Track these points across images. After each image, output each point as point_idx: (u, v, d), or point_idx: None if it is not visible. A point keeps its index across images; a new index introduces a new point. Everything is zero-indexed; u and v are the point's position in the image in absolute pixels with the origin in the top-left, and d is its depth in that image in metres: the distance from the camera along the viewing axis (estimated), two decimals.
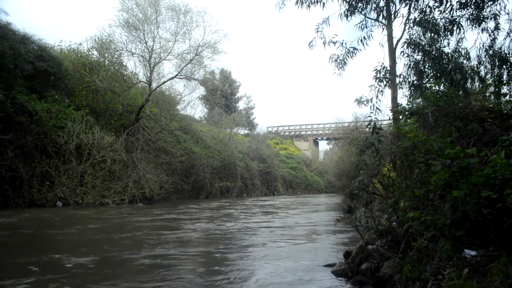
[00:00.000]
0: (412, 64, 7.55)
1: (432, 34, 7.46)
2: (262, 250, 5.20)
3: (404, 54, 7.62)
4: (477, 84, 7.61)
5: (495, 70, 7.66)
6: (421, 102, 4.38)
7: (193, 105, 30.63)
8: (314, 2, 7.84)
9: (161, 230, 7.01)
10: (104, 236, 6.20)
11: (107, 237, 6.09)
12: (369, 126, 4.02)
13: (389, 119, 6.98)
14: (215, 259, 4.63)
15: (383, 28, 7.67)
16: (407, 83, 7.66)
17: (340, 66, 7.96)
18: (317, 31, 7.99)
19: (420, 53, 7.50)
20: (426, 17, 7.40)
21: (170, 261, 4.36)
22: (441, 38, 7.50)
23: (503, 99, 3.61)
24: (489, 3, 7.28)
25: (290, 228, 7.76)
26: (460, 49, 7.50)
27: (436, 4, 7.44)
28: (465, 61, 7.49)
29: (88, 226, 7.46)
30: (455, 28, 7.31)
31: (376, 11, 7.85)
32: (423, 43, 7.54)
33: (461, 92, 6.80)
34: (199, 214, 10.35)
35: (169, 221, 8.55)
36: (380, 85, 7.30)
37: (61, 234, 6.41)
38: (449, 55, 7.25)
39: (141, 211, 10.58)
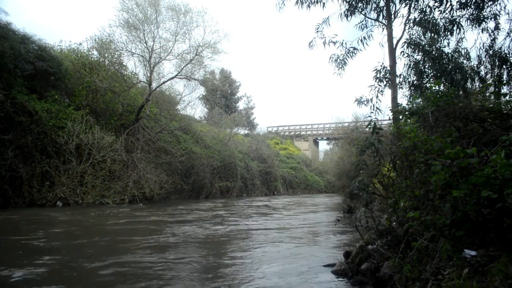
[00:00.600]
0: (412, 64, 7.55)
1: (432, 34, 7.46)
2: (257, 253, 5.12)
3: (404, 54, 7.62)
4: (477, 84, 7.60)
5: (495, 70, 7.66)
6: (421, 102, 4.37)
7: (193, 105, 30.70)
8: (314, 2, 7.84)
9: (139, 234, 6.45)
10: (73, 242, 5.60)
11: (75, 243, 5.50)
12: (369, 126, 4.02)
13: (389, 119, 6.98)
14: (204, 267, 4.19)
15: (383, 28, 7.67)
16: (407, 83, 7.67)
17: (340, 66, 7.96)
18: (317, 31, 7.99)
19: (420, 53, 7.50)
20: (426, 17, 7.40)
21: (142, 270, 3.81)
22: (441, 38, 7.50)
23: (503, 99, 3.60)
24: (489, 3, 7.28)
25: (288, 230, 7.72)
26: (460, 49, 7.50)
27: (436, 4, 7.44)
28: (465, 61, 7.50)
29: (61, 230, 6.83)
30: (455, 28, 7.31)
31: (376, 11, 7.85)
32: (423, 43, 7.54)
33: (461, 92, 6.80)
34: (187, 215, 9.81)
35: (153, 223, 7.97)
36: (380, 85, 7.30)
37: (23, 239, 5.61)
38: (449, 55, 7.26)
39: (130, 212, 10.17)
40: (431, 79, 7.16)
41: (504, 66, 7.54)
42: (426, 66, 7.42)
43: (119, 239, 5.95)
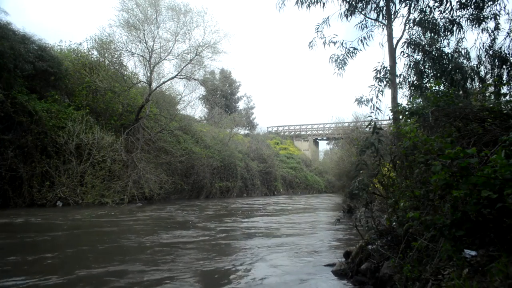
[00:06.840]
0: (412, 64, 7.55)
1: (432, 34, 7.47)
2: (256, 253, 5.15)
3: (404, 54, 7.63)
4: (477, 84, 7.61)
5: (495, 70, 7.66)
6: (421, 102, 4.38)
7: (193, 105, 30.47)
8: (314, 2, 7.84)
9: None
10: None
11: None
12: (369, 126, 4.02)
13: (389, 119, 6.99)
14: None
15: (383, 28, 7.68)
16: (407, 83, 7.67)
17: (340, 66, 7.97)
18: (317, 31, 8.01)
19: (420, 53, 7.51)
20: (426, 17, 7.40)
21: None
22: (441, 38, 7.50)
23: (503, 99, 3.61)
24: (489, 3, 7.28)
25: (288, 230, 7.71)
26: (460, 49, 7.51)
27: (436, 4, 7.45)
28: (465, 61, 7.50)
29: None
30: (455, 28, 7.32)
31: (376, 11, 7.86)
32: (423, 43, 7.54)
33: (461, 92, 6.81)
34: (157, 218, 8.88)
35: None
36: (380, 85, 7.30)
37: None
38: (449, 55, 7.26)
39: (105, 215, 9.36)
40: (431, 79, 7.16)
41: (504, 66, 7.53)
42: (426, 66, 7.43)
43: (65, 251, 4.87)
